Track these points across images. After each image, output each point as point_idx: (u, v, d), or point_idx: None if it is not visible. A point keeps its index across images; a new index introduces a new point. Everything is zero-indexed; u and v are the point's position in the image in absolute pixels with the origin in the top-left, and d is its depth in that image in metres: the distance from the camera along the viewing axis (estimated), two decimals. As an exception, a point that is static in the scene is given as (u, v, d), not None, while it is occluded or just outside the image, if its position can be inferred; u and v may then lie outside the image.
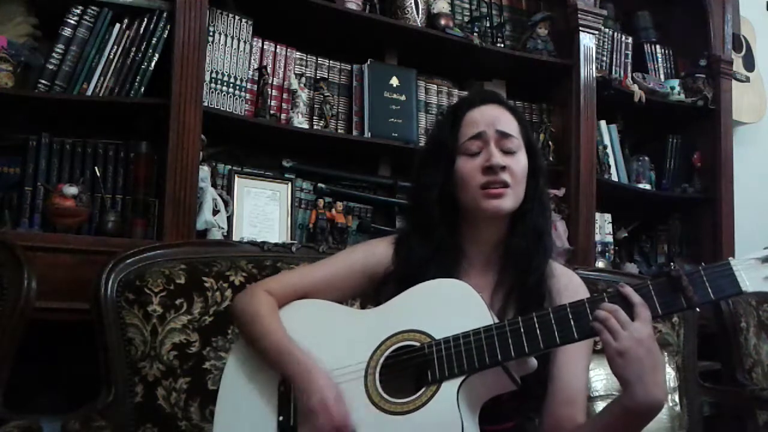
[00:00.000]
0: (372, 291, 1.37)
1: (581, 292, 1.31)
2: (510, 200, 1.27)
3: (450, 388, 1.12)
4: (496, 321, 1.15)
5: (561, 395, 1.25)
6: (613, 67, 3.00)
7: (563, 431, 1.23)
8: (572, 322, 1.09)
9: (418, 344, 1.18)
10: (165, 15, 2.00)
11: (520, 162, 1.29)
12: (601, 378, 1.93)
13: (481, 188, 1.26)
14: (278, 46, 2.34)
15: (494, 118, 1.30)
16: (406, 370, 1.17)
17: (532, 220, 1.30)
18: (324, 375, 1.19)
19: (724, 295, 1.05)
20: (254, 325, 1.28)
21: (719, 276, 1.04)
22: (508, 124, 1.30)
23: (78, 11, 1.96)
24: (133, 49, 1.99)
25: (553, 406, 1.25)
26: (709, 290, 1.04)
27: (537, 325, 1.11)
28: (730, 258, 1.05)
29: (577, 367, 1.26)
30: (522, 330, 1.11)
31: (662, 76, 3.17)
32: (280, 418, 1.22)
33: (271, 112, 2.29)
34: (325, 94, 2.38)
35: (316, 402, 1.15)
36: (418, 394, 1.14)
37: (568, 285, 1.32)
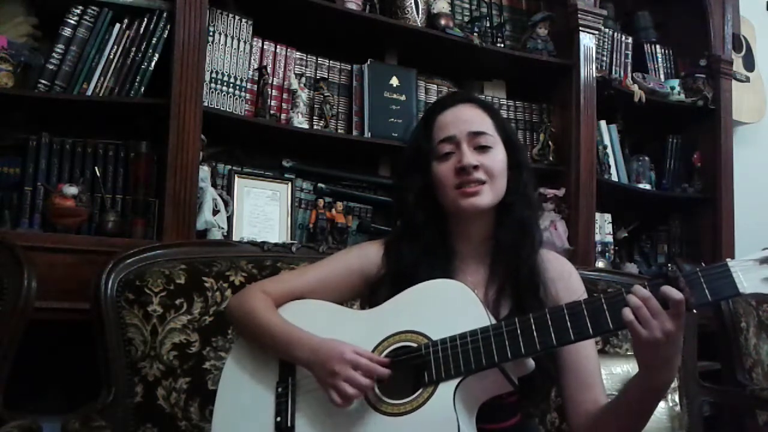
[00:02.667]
0: (368, 292, 1.38)
1: (574, 279, 1.34)
2: (487, 196, 1.28)
3: (447, 389, 1.12)
4: (493, 322, 1.15)
5: (579, 381, 1.26)
6: (613, 67, 3.00)
7: (588, 415, 1.24)
8: (569, 324, 1.09)
9: (415, 345, 1.18)
10: (165, 15, 2.00)
11: (496, 158, 1.30)
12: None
13: (456, 188, 1.28)
14: (278, 46, 2.34)
15: (465, 119, 1.31)
16: (404, 371, 1.17)
17: (517, 213, 1.31)
18: (329, 342, 1.19)
19: (721, 297, 1.04)
20: (252, 321, 1.28)
21: (717, 277, 1.03)
22: (480, 122, 1.32)
23: (78, 11, 1.96)
24: (133, 49, 1.99)
25: (574, 393, 1.26)
26: (707, 292, 1.03)
27: (534, 327, 1.10)
28: (727, 259, 1.03)
29: (587, 350, 1.27)
30: (519, 331, 1.11)
31: (662, 76, 3.17)
32: (278, 418, 1.22)
33: (271, 112, 2.29)
34: (325, 94, 2.38)
35: (337, 366, 1.14)
36: (415, 395, 1.14)
37: (562, 273, 1.33)
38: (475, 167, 1.27)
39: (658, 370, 1.09)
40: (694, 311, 1.05)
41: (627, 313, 1.04)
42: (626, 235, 3.07)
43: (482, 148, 1.29)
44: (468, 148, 1.28)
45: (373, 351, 1.20)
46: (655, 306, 1.03)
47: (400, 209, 1.39)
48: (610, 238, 2.92)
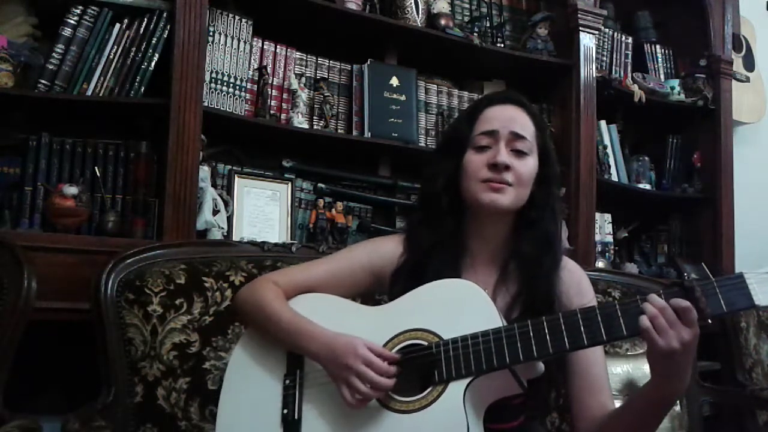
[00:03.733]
0: (376, 288, 1.38)
1: (584, 284, 1.34)
2: (508, 198, 1.28)
3: (457, 388, 1.12)
4: (505, 323, 1.15)
5: (586, 385, 1.26)
6: (613, 67, 3.00)
7: (595, 420, 1.24)
8: (582, 328, 1.09)
9: (425, 343, 1.18)
10: (165, 15, 2.00)
11: (528, 165, 1.30)
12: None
13: (482, 182, 1.28)
14: (278, 46, 2.34)
15: (510, 118, 1.32)
16: (413, 369, 1.17)
17: (544, 228, 1.31)
18: (342, 336, 1.19)
19: (736, 308, 1.04)
20: (262, 311, 1.29)
21: (732, 288, 1.03)
22: (524, 126, 1.32)
23: (78, 11, 1.96)
24: (133, 49, 1.99)
25: (581, 397, 1.27)
26: (722, 302, 1.03)
27: (546, 330, 1.11)
28: (743, 271, 1.04)
29: (595, 354, 1.27)
30: (531, 334, 1.11)
31: (662, 76, 3.17)
32: (285, 411, 1.23)
33: (271, 112, 2.29)
34: (325, 94, 2.38)
35: (351, 360, 1.14)
36: (424, 393, 1.14)
37: (573, 279, 1.33)
38: (507, 167, 1.27)
39: (671, 380, 1.09)
40: (709, 321, 1.04)
41: (644, 320, 1.04)
42: (626, 235, 3.06)
43: (518, 153, 1.30)
44: (505, 147, 1.29)
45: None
46: (671, 315, 1.03)
47: (425, 193, 1.39)
48: (610, 238, 2.92)
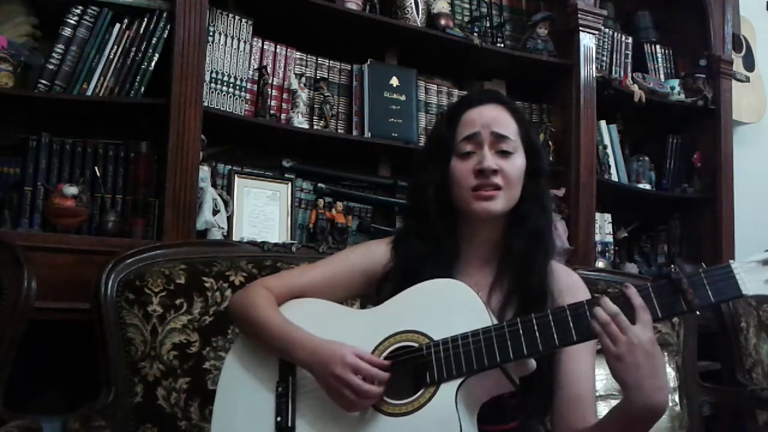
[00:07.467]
0: (371, 291, 1.37)
1: (581, 293, 1.31)
2: (501, 202, 1.27)
3: (448, 389, 1.12)
4: (495, 322, 1.15)
5: (568, 396, 1.24)
6: (613, 67, 3.01)
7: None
8: (571, 324, 1.09)
9: (416, 345, 1.17)
10: (165, 15, 2.00)
11: (515, 164, 1.28)
12: (600, 378, 1.91)
13: (472, 190, 1.26)
14: (278, 46, 2.34)
15: (491, 119, 1.29)
16: (405, 372, 1.17)
17: (533, 222, 1.29)
18: (330, 344, 1.18)
19: (724, 298, 1.05)
20: (253, 317, 1.28)
21: (720, 279, 1.03)
22: (506, 125, 1.30)
23: (78, 11, 1.96)
24: (133, 49, 1.99)
25: (562, 408, 1.24)
26: (710, 293, 1.04)
27: (536, 327, 1.10)
28: (730, 261, 1.04)
29: (581, 366, 1.26)
30: (521, 332, 1.11)
31: (662, 76, 3.17)
32: (278, 418, 1.22)
33: (271, 112, 2.29)
34: (325, 94, 2.38)
35: (338, 369, 1.14)
36: (416, 395, 1.14)
37: (570, 285, 1.31)
38: (494, 171, 1.25)
39: (644, 390, 1.05)
40: (697, 312, 1.05)
41: (596, 328, 1.06)
42: (626, 235, 3.07)
43: (503, 153, 1.28)
44: (489, 150, 1.27)
45: (373, 351, 1.19)
46: (623, 321, 1.04)
47: (414, 202, 1.38)
48: (610, 238, 2.92)
